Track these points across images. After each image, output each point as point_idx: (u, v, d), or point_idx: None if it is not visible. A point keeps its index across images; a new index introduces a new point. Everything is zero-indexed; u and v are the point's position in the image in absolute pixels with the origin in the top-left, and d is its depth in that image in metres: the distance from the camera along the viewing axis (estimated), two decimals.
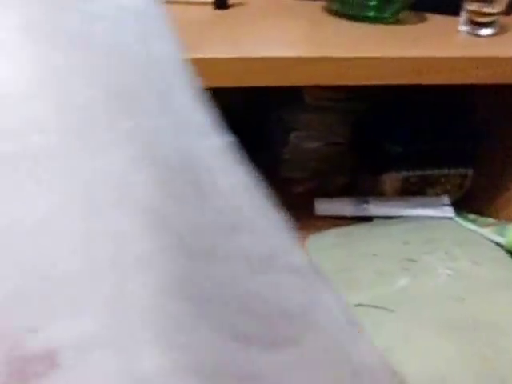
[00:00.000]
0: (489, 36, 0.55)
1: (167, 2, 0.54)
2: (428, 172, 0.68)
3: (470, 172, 0.69)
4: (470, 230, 0.64)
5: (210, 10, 0.54)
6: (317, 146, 0.71)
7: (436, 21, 0.59)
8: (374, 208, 0.67)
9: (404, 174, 0.67)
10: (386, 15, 0.56)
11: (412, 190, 0.69)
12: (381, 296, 0.52)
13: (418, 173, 0.68)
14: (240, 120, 0.78)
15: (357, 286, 0.54)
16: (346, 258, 0.58)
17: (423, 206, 0.67)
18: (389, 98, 0.67)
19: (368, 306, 0.51)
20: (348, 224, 0.66)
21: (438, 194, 0.68)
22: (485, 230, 0.63)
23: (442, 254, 0.58)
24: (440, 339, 0.48)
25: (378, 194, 0.69)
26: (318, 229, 0.65)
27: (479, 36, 0.54)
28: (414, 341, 0.48)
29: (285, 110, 0.71)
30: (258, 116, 0.77)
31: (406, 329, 0.49)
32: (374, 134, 0.68)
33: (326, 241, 0.62)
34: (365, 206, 0.67)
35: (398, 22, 0.57)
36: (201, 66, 0.42)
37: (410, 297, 0.53)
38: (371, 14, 0.56)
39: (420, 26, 0.58)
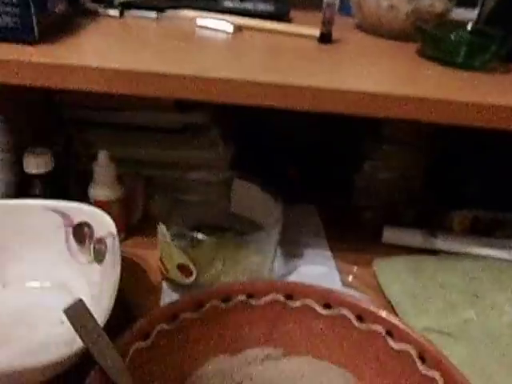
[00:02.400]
0: None
1: (277, 32, 0.59)
2: (499, 214, 0.69)
3: None
4: None
5: (315, 43, 0.58)
6: (390, 177, 0.74)
7: None
8: (442, 242, 0.68)
9: (475, 213, 0.69)
10: (475, 63, 0.58)
11: (480, 230, 0.70)
12: (446, 324, 0.55)
13: (490, 215, 0.69)
14: (316, 145, 0.83)
15: (424, 312, 0.56)
16: (414, 284, 0.61)
17: (492, 246, 0.68)
18: (470, 138, 0.69)
19: (435, 330, 0.54)
20: (413, 255, 0.68)
21: (507, 237, 0.69)
22: None
23: (509, 294, 0.59)
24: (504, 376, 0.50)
25: (447, 229, 0.70)
26: (384, 256, 0.67)
27: None
28: (480, 369, 0.50)
29: (362, 139, 0.74)
30: (334, 142, 0.80)
31: (470, 357, 0.51)
32: (451, 171, 0.70)
33: (395, 266, 0.64)
34: (433, 239, 0.68)
35: (488, 70, 0.58)
36: (304, 93, 0.46)
37: (474, 329, 0.55)
38: (461, 60, 0.58)
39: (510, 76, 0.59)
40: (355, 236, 0.71)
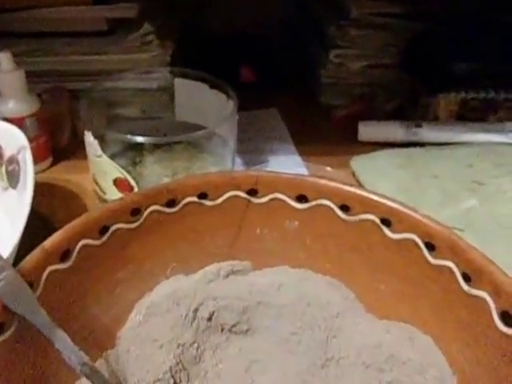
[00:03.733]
0: None
1: None
2: (491, 95, 0.59)
3: None
4: None
5: None
6: (362, 67, 0.63)
7: None
8: (428, 132, 0.58)
9: (463, 95, 0.59)
10: None
11: (468, 116, 0.60)
12: (449, 216, 0.45)
13: (481, 95, 0.59)
14: (278, 37, 0.71)
15: (422, 206, 0.46)
16: (404, 177, 0.51)
17: (485, 131, 0.58)
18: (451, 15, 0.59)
19: None
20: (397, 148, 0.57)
21: (500, 121, 0.60)
22: None
23: None
24: None
25: (431, 119, 0.60)
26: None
27: None
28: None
29: (328, 25, 0.62)
30: (298, 33, 0.69)
31: (482, 247, 0.42)
32: (433, 51, 0.59)
33: (378, 161, 0.54)
34: (416, 130, 0.58)
35: None
36: None
37: (479, 219, 0.46)
38: None
39: None
40: (327, 138, 0.60)
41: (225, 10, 0.68)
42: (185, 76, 0.52)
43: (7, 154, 0.45)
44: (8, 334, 0.27)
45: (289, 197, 0.36)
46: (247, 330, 0.35)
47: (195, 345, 0.34)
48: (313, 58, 0.67)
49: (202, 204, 0.36)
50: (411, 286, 0.35)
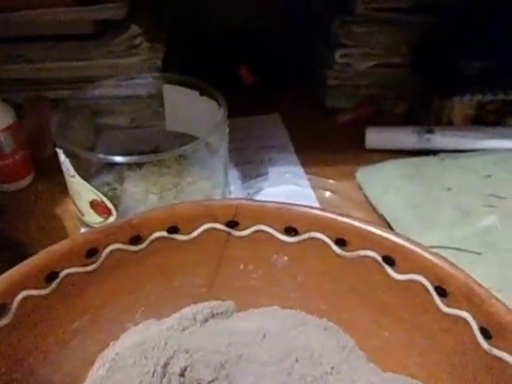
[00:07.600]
0: None
1: None
2: (510, 96, 0.50)
3: None
4: None
5: None
6: (369, 67, 0.55)
7: None
8: (441, 139, 0.50)
9: (479, 98, 0.50)
10: None
11: (486, 120, 0.52)
12: (463, 237, 0.37)
13: (499, 97, 0.50)
14: (278, 35, 0.63)
15: (431, 225, 0.38)
16: (414, 191, 0.43)
17: (504, 137, 0.50)
18: (463, 9, 0.50)
19: (449, 247, 0.36)
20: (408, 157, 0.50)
21: None
22: None
23: None
24: None
25: (444, 124, 0.52)
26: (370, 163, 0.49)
27: None
28: None
29: (332, 21, 0.54)
30: (300, 31, 0.61)
31: (504, 276, 0.34)
32: (445, 49, 0.51)
33: (386, 172, 0.46)
34: (429, 136, 0.50)
35: None
36: None
37: (499, 239, 0.38)
38: None
39: None
40: (332, 145, 0.53)
41: (221, 7, 0.60)
42: (173, 82, 0.45)
43: None
44: None
45: (275, 229, 0.29)
46: None
47: None
48: (316, 57, 0.59)
49: (173, 239, 0.29)
50: (420, 335, 0.27)
